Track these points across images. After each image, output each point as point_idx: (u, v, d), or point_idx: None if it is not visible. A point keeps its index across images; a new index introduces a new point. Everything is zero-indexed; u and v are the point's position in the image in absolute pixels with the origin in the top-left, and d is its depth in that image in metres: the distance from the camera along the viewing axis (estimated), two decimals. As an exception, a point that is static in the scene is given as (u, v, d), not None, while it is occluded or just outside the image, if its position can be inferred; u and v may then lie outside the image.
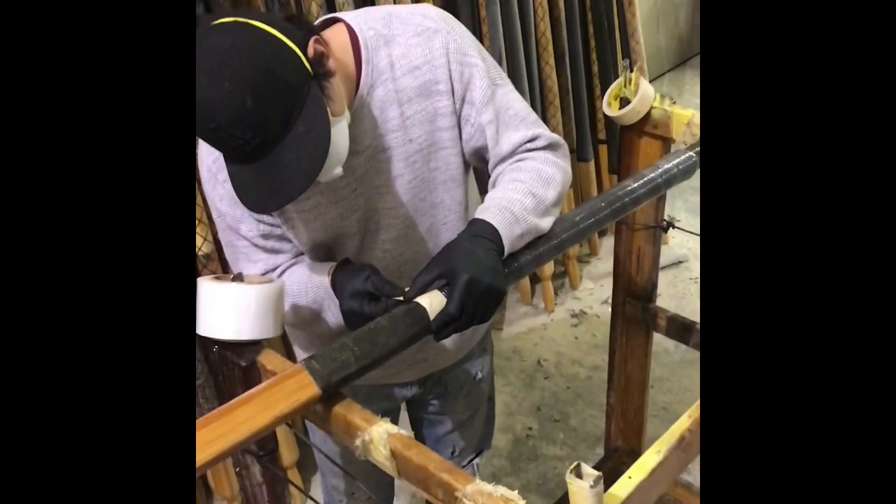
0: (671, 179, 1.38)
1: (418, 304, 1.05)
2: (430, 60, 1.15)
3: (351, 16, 1.16)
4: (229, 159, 1.02)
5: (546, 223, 1.16)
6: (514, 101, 1.21)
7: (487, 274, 1.05)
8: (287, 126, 0.97)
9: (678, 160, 1.40)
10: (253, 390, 0.92)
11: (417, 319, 1.04)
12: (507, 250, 1.11)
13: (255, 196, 1.01)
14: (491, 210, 1.12)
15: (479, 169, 1.30)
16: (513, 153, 1.20)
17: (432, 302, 1.05)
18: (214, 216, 1.21)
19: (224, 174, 1.11)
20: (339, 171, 1.06)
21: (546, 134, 1.22)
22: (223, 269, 2.02)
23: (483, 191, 1.26)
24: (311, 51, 1.00)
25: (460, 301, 1.04)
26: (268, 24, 0.97)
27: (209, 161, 1.15)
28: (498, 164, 1.21)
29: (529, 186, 1.15)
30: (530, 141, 1.20)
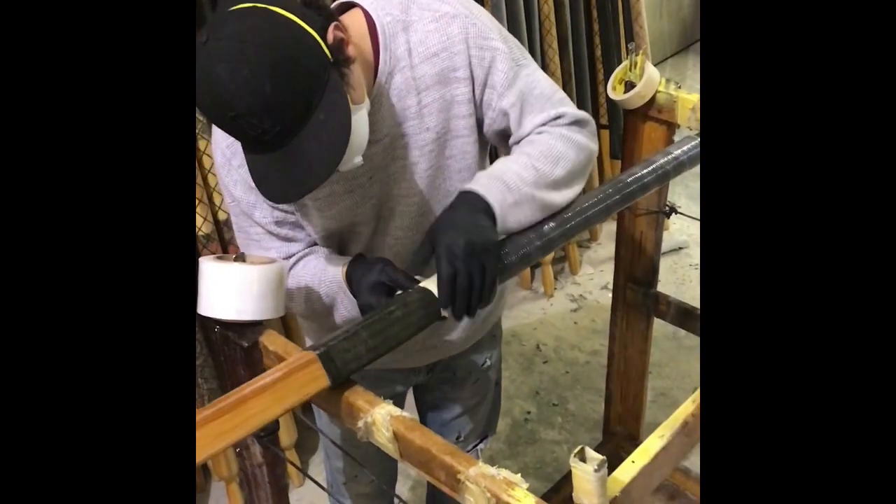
0: (681, 166, 1.37)
1: (431, 293, 1.04)
2: (448, 47, 1.12)
3: (368, 0, 1.14)
4: (248, 149, 1.00)
5: (553, 196, 1.13)
6: (540, 81, 1.18)
7: (464, 232, 1.03)
8: (307, 114, 0.95)
9: (688, 146, 1.39)
10: (266, 380, 0.91)
11: (431, 312, 1.04)
12: (499, 214, 1.07)
13: (275, 187, 0.99)
14: (480, 180, 1.10)
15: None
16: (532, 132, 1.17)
17: None
18: (228, 201, 1.19)
19: (238, 159, 1.09)
20: (359, 160, 1.04)
21: (571, 112, 1.18)
22: (224, 251, 2.02)
23: None
24: (330, 37, 0.98)
25: (446, 263, 1.02)
26: (286, 9, 0.95)
27: (223, 145, 1.13)
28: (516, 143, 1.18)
29: (533, 161, 1.12)
30: (553, 120, 1.17)
